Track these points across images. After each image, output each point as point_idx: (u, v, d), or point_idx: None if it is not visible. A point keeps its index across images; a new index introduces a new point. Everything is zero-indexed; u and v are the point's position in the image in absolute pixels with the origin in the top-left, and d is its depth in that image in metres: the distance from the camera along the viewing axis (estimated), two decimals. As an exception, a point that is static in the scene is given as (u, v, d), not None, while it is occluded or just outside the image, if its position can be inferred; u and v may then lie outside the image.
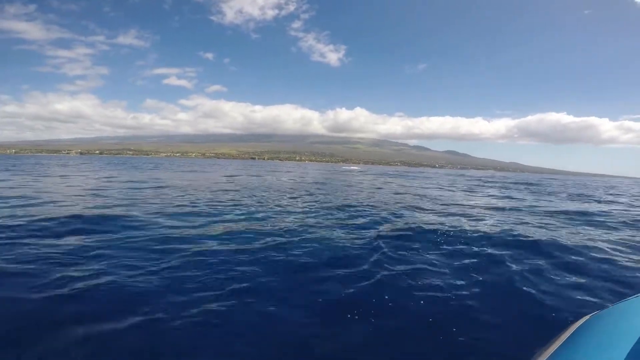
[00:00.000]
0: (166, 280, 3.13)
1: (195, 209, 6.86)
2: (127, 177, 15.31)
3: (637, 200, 14.48)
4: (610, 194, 17.34)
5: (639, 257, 4.59)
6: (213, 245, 4.25)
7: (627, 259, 4.37)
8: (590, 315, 1.11)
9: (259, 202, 8.49)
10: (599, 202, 12.80)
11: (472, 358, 2.25)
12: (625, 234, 6.27)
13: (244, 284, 3.12)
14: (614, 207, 10.92)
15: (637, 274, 3.84)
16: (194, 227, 5.25)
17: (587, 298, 3.17)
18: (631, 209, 10.54)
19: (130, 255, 3.75)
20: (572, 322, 1.11)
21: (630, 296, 1.16)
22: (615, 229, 6.78)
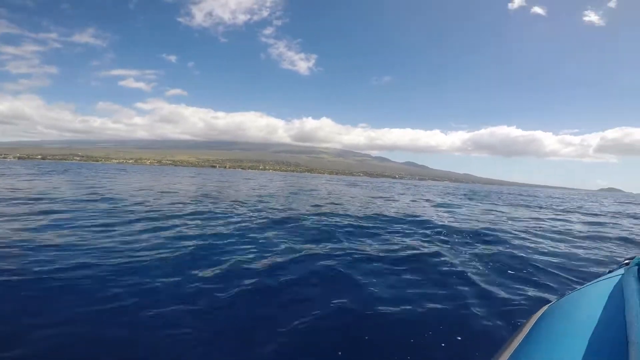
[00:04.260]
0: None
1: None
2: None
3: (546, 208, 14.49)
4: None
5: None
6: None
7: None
8: (548, 305, 1.10)
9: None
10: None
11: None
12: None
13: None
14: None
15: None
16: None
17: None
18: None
19: None
20: (532, 314, 1.07)
21: (586, 283, 1.16)
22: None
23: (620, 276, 1.01)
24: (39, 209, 6.43)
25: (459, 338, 2.29)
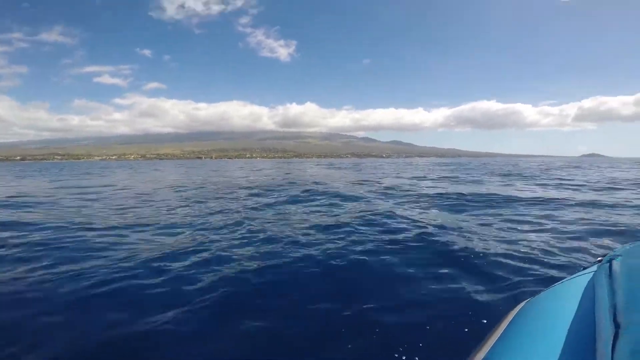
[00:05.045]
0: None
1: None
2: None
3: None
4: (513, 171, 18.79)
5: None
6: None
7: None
8: (525, 301, 1.12)
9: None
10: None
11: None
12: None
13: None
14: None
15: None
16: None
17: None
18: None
19: None
20: (509, 310, 1.09)
21: (562, 279, 1.20)
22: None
23: (592, 273, 1.06)
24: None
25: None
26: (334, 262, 3.37)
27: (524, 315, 1.00)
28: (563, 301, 0.98)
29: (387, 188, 10.67)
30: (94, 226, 5.08)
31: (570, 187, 10.69)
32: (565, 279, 1.18)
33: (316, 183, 12.47)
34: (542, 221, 5.33)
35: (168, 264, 3.32)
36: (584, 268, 1.20)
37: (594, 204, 6.99)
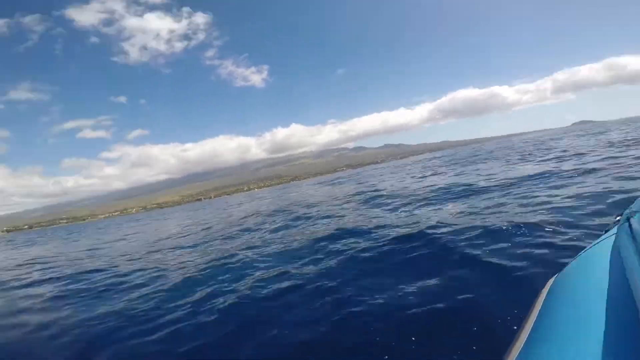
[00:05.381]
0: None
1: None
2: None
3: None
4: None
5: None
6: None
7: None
8: (554, 277, 1.09)
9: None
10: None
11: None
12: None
13: None
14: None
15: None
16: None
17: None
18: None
19: None
20: (540, 289, 1.07)
21: (585, 248, 1.16)
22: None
23: (614, 235, 1.02)
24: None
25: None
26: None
27: (557, 291, 0.99)
28: (592, 271, 0.96)
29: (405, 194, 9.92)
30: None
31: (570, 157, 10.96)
32: (588, 247, 1.15)
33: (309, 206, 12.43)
34: (555, 192, 5.75)
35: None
36: (606, 231, 1.17)
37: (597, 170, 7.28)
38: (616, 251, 0.94)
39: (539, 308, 0.94)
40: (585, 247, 1.17)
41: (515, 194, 6.44)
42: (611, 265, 0.90)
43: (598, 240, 1.14)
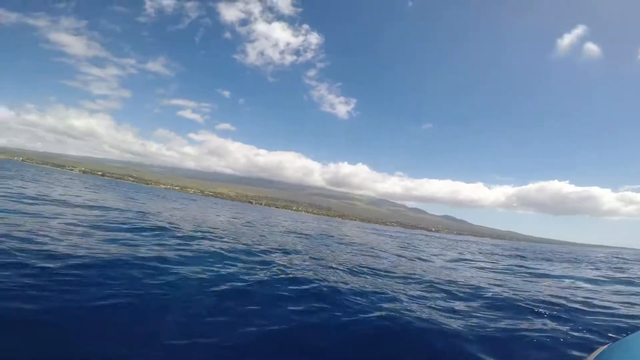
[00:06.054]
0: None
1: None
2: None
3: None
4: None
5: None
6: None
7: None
8: (606, 346, 1.11)
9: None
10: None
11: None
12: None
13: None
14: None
15: None
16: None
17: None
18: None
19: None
20: (588, 354, 1.13)
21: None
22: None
23: None
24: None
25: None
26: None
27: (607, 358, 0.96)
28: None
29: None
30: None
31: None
32: None
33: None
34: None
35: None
36: None
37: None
38: None
39: None
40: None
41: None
42: None
43: None
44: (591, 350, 1.11)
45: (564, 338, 4.11)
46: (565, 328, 4.53)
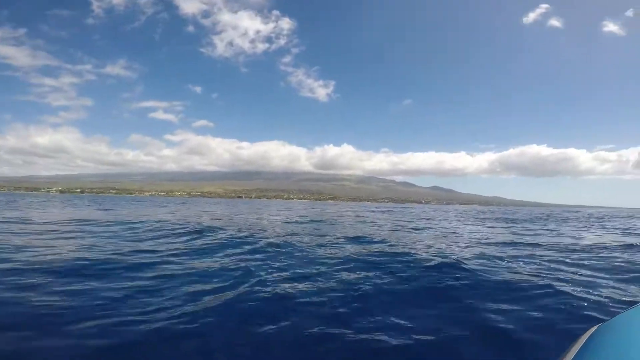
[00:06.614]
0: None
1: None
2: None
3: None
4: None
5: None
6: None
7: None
8: (598, 325, 1.09)
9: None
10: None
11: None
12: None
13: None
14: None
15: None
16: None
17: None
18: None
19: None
20: (580, 334, 1.07)
21: (636, 304, 1.14)
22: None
23: None
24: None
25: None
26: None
27: (599, 339, 0.96)
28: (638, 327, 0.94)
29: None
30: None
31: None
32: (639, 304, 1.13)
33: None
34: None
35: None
36: None
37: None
38: None
39: (575, 353, 0.93)
40: (635, 304, 1.17)
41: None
42: None
43: None
44: (584, 330, 1.09)
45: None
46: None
